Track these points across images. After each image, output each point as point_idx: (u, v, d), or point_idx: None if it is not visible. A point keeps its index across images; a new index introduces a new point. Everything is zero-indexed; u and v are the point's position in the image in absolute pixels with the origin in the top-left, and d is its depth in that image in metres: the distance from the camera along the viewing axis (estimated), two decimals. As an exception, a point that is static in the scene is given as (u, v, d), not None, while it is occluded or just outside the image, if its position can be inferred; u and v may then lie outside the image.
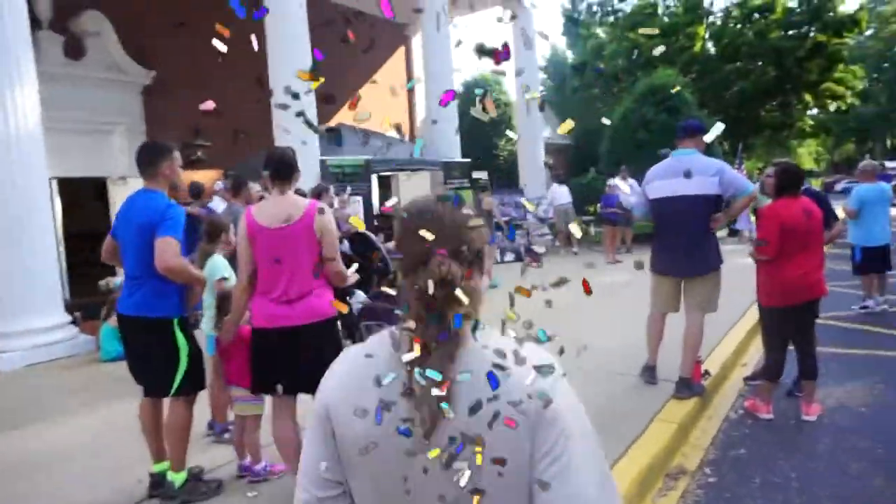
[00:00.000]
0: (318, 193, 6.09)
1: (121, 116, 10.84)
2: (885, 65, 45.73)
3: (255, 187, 5.52)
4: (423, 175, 13.16)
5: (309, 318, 2.78)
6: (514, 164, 15.88)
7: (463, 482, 0.81)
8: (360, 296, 3.29)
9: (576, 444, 0.87)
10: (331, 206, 6.17)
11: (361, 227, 3.14)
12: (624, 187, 11.91)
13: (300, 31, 9.00)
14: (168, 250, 2.87)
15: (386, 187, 16.88)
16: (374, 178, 15.66)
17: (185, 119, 11.50)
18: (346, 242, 5.34)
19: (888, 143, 59.23)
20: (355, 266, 2.61)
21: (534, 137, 14.97)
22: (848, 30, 20.64)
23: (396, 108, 16.75)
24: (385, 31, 16.17)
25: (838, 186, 31.66)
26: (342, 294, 3.19)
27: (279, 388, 2.79)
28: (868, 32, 36.87)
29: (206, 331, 3.54)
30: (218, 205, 7.48)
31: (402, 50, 16.87)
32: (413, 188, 16.25)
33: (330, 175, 9.08)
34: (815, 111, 24.05)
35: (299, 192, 5.45)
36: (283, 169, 2.94)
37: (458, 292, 0.85)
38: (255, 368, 2.92)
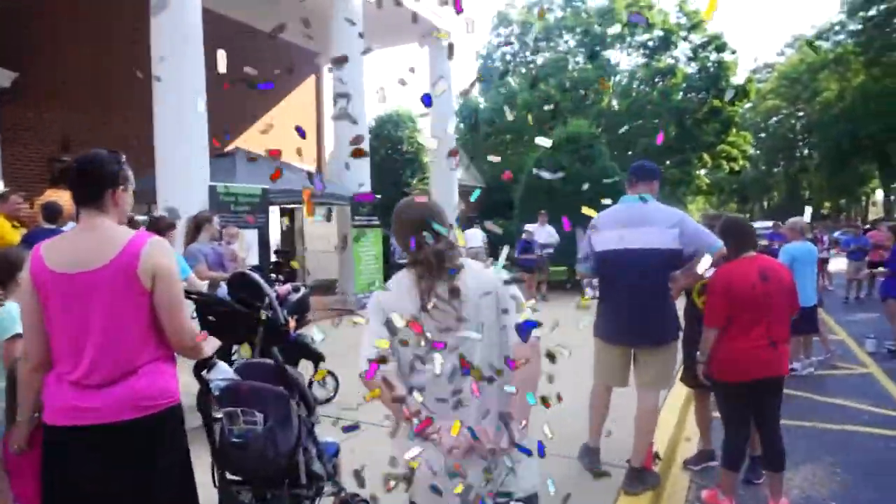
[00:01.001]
0: (198, 223, 5.04)
1: (-33, 121, 9.15)
2: (762, 135, 50.54)
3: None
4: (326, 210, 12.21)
5: (130, 410, 1.79)
6: (426, 205, 15.30)
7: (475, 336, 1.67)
8: (222, 370, 2.31)
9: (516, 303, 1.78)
10: (215, 239, 5.13)
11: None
12: (541, 233, 11.60)
13: (193, 41, 7.92)
14: None
15: (290, 220, 15.71)
16: (277, 211, 14.52)
17: (52, 130, 9.97)
18: (223, 286, 4.32)
19: (765, 203, 65.33)
20: (219, 326, 1.72)
21: (448, 177, 14.48)
22: (739, 98, 22.25)
23: (305, 139, 15.79)
24: (296, 57, 15.27)
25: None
26: (198, 368, 2.21)
27: None
28: (747, 105, 40.53)
29: (-14, 414, 2.43)
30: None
31: (312, 78, 16.01)
32: (317, 224, 15.23)
33: (221, 203, 7.94)
34: (704, 171, 25.53)
35: (161, 223, 4.37)
36: (87, 183, 1.89)
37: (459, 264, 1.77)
38: (47, 489, 1.87)
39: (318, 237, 15.12)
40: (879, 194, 55.14)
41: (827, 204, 60.59)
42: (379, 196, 11.41)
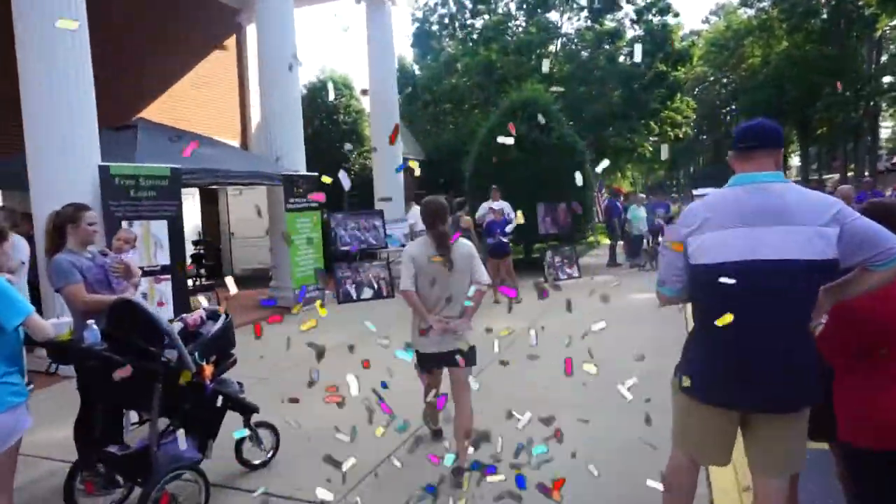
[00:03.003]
0: (58, 224, 3.50)
1: None
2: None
3: None
4: (259, 191, 10.61)
5: None
6: (367, 180, 13.80)
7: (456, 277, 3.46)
8: None
9: (479, 261, 3.54)
10: (88, 243, 3.61)
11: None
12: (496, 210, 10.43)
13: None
14: None
15: (212, 203, 13.91)
16: (197, 195, 12.72)
17: None
18: (92, 327, 2.87)
19: (691, 169, 67.40)
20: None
21: (391, 150, 13.05)
22: (682, 63, 21.79)
23: (226, 108, 13.90)
24: (214, 15, 13.31)
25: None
26: None
27: None
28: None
29: None
30: None
31: (233, 39, 14.07)
32: (244, 206, 13.51)
33: (118, 188, 6.31)
34: (652, 138, 25.13)
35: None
36: None
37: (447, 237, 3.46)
38: None
39: (246, 221, 13.45)
40: (795, 159, 57.59)
41: (748, 168, 62.83)
42: (316, 174, 9.98)
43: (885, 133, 51.50)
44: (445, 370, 3.56)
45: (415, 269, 3.45)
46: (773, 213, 1.96)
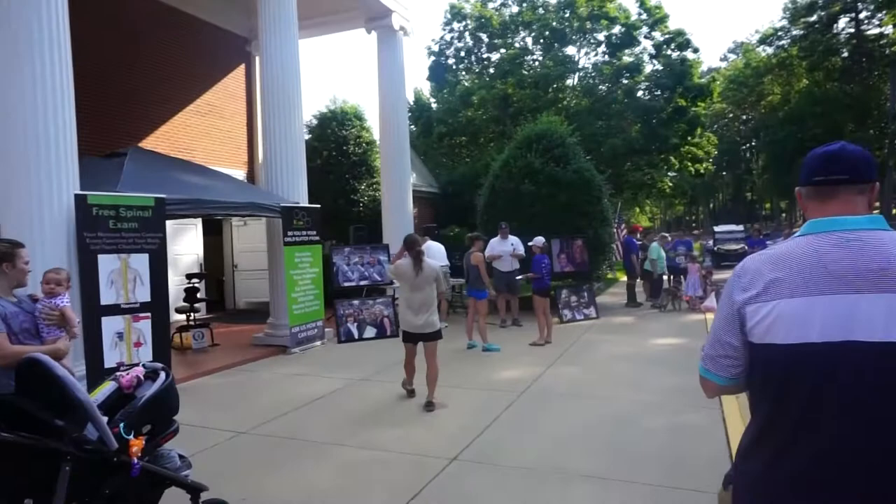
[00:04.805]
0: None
1: None
2: (711, 138, 50.95)
3: None
4: (259, 222, 10.17)
5: None
6: (376, 213, 13.33)
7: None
8: None
9: (441, 277, 6.02)
10: (21, 285, 3.07)
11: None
12: (504, 247, 9.85)
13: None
14: None
15: (216, 234, 13.50)
16: (200, 226, 12.33)
17: None
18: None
19: (710, 205, 66.46)
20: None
21: (401, 182, 12.60)
22: (702, 98, 21.31)
23: (232, 140, 13.60)
24: (223, 43, 13.13)
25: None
26: None
27: None
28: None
29: None
30: None
31: (241, 68, 13.86)
32: (249, 238, 13.11)
33: (96, 218, 5.83)
34: (672, 174, 24.57)
35: None
36: None
37: (423, 257, 5.70)
38: None
39: (251, 253, 13.01)
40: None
41: (767, 205, 61.95)
42: (318, 206, 9.51)
43: (909, 171, 50.41)
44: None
45: (397, 278, 5.70)
46: (875, 275, 1.30)
